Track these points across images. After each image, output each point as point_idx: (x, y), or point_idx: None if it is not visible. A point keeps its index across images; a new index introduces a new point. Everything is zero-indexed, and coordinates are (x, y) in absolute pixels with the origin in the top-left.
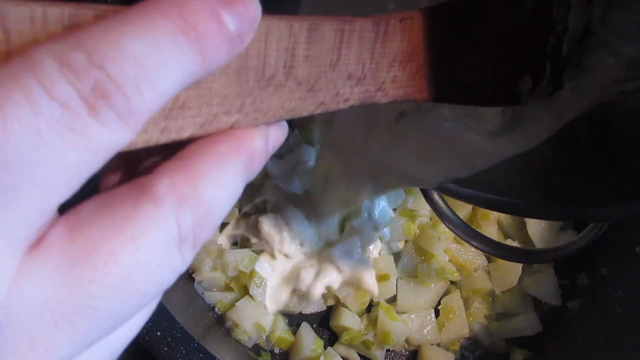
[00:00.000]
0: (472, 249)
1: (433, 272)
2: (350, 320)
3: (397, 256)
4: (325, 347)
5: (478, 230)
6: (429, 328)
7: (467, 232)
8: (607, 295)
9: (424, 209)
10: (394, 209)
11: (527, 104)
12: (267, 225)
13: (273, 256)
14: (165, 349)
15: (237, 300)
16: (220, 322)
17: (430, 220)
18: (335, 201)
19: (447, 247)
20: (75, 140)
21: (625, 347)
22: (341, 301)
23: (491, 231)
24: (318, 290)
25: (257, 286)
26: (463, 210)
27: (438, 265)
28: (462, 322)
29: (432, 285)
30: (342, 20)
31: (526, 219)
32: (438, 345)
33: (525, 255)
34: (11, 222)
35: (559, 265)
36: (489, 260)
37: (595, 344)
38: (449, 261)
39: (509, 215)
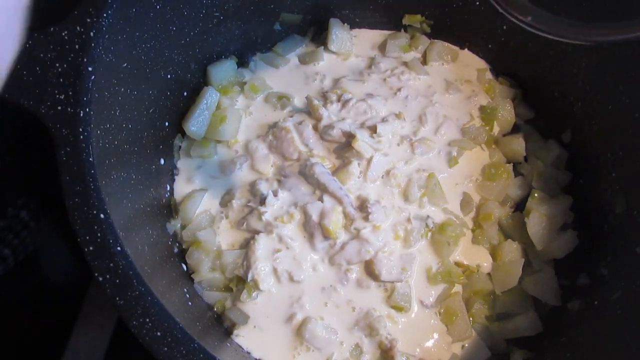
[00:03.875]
0: (476, 250)
1: (439, 276)
2: None
3: None
4: None
5: (479, 230)
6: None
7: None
8: (607, 296)
9: None
10: None
11: None
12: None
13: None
14: (165, 349)
15: (236, 299)
16: (220, 322)
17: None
18: None
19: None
20: None
21: (625, 347)
22: None
23: (492, 231)
24: None
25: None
26: (467, 207)
27: (444, 268)
28: (465, 325)
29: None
30: None
31: (525, 219)
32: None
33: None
34: None
35: (559, 265)
36: (491, 260)
37: (595, 344)
38: (454, 264)
39: (509, 216)
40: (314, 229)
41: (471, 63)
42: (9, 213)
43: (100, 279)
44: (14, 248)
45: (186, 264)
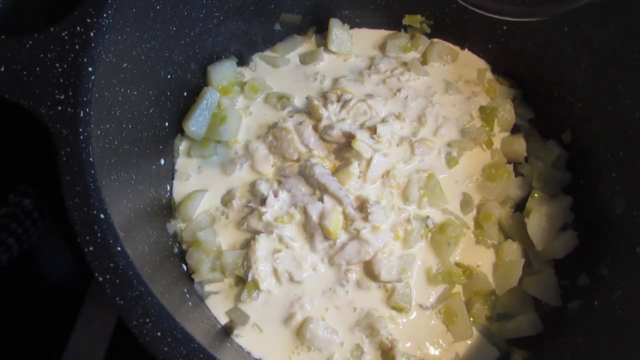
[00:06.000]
0: (476, 250)
1: (440, 277)
2: None
3: None
4: None
5: (479, 231)
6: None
7: None
8: (607, 296)
9: None
10: None
11: None
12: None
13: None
14: (165, 349)
15: (236, 299)
16: (220, 322)
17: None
18: None
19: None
20: None
21: (625, 347)
22: None
23: (492, 232)
24: None
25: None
26: (467, 208)
27: (444, 269)
28: (466, 325)
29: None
30: None
31: (525, 220)
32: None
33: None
34: None
35: (559, 266)
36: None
37: (595, 344)
38: (454, 264)
39: (509, 217)
40: (314, 230)
41: (471, 63)
42: (11, 200)
43: (100, 279)
44: (18, 237)
45: (186, 264)
